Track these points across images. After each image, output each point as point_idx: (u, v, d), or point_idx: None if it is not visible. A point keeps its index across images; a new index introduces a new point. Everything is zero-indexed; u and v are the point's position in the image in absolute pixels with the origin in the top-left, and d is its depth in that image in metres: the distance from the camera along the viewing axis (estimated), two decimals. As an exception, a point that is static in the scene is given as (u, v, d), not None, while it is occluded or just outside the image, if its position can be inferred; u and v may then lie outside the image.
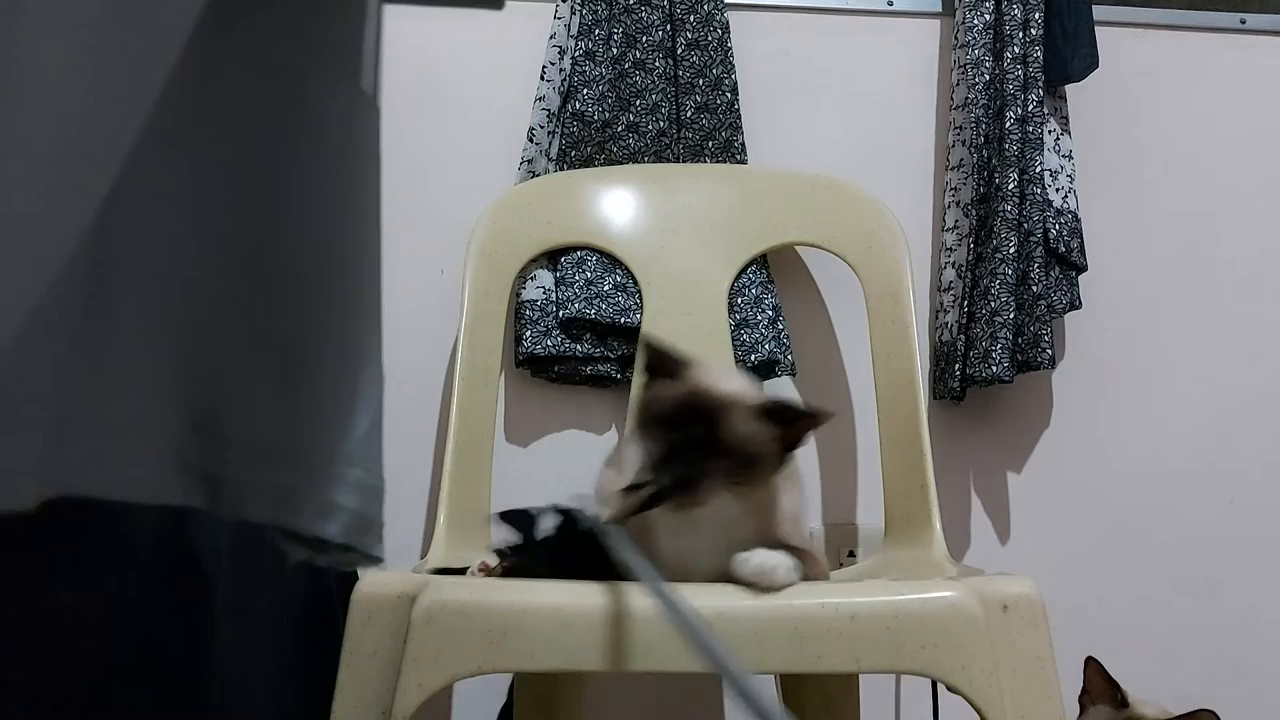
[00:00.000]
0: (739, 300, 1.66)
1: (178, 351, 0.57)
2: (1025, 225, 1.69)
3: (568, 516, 1.13)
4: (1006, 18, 1.71)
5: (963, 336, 1.69)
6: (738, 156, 1.71)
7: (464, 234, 1.59)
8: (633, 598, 0.96)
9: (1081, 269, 1.75)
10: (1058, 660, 1.02)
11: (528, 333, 1.64)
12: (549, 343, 1.64)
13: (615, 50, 1.69)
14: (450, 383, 1.55)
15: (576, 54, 1.68)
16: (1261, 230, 1.91)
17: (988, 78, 1.72)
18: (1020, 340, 1.68)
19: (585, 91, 1.67)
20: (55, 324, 0.50)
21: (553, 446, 1.73)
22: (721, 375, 1.12)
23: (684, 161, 1.70)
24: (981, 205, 1.71)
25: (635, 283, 1.65)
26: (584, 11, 1.69)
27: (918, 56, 1.85)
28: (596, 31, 1.69)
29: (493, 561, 1.16)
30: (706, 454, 1.03)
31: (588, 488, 1.25)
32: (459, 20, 1.72)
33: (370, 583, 1.02)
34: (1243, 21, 1.92)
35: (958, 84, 1.76)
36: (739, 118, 1.72)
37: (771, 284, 1.70)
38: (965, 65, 1.73)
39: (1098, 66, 1.76)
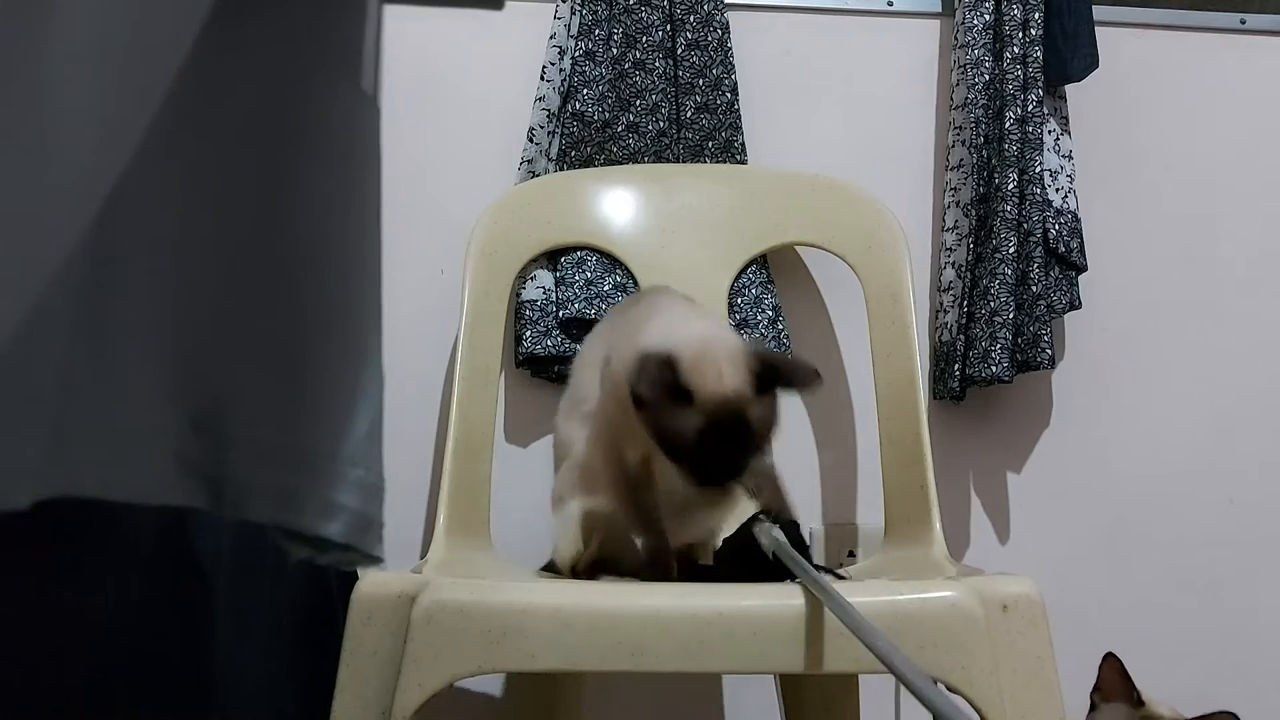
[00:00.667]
0: (739, 300, 1.66)
1: (178, 351, 0.57)
2: (1025, 225, 1.69)
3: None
4: (1006, 18, 1.71)
5: (962, 336, 1.69)
6: (738, 157, 1.71)
7: (464, 234, 1.58)
8: (633, 598, 0.96)
9: (1081, 269, 1.75)
10: (1058, 660, 1.02)
11: (528, 333, 1.64)
12: (549, 343, 1.64)
13: (615, 50, 1.69)
14: (450, 383, 1.55)
15: (576, 54, 1.68)
16: (1261, 230, 1.90)
17: (987, 78, 1.72)
18: (1020, 340, 1.68)
19: (585, 91, 1.67)
20: (55, 324, 0.50)
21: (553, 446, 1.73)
22: (723, 376, 1.11)
23: (684, 162, 1.70)
24: (981, 205, 1.71)
25: (635, 283, 1.65)
26: (584, 12, 1.69)
27: (917, 56, 1.85)
28: (596, 32, 1.69)
29: None
30: (749, 454, 1.12)
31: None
32: (459, 20, 1.71)
33: (370, 582, 1.03)
34: (1242, 21, 1.92)
35: (957, 84, 1.75)
36: (739, 118, 1.72)
37: (771, 284, 1.70)
38: (965, 65, 1.73)
39: (1098, 66, 1.75)
